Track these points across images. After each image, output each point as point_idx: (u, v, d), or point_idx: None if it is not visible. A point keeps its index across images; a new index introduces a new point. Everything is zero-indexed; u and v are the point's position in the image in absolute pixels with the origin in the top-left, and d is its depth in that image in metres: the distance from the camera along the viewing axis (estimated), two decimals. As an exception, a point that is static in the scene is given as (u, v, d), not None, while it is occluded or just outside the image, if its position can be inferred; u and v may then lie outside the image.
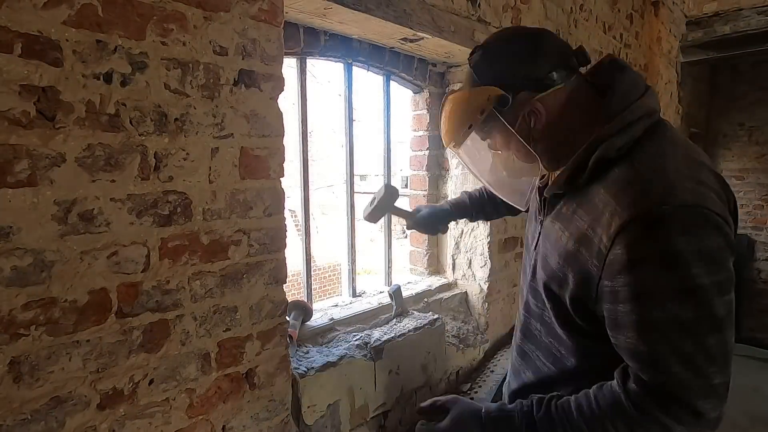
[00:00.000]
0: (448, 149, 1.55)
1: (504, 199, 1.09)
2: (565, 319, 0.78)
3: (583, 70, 0.81)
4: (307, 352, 1.26)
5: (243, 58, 0.95)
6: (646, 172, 0.67)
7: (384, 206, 1.32)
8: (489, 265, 1.79)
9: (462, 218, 1.39)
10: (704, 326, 0.62)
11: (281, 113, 1.03)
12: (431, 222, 1.35)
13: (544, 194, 0.83)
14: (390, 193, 1.33)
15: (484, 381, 1.65)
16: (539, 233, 0.85)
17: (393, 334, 1.42)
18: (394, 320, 1.55)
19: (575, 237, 0.72)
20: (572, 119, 0.77)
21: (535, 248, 0.85)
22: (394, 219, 1.81)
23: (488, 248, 1.78)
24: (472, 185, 1.78)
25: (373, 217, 1.34)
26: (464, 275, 1.86)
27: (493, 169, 0.96)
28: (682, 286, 0.62)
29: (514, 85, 0.76)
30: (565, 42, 0.83)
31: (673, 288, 0.62)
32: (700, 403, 0.64)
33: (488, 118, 0.79)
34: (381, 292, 1.67)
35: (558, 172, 0.79)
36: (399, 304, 1.57)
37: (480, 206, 1.33)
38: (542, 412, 0.74)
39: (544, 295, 0.80)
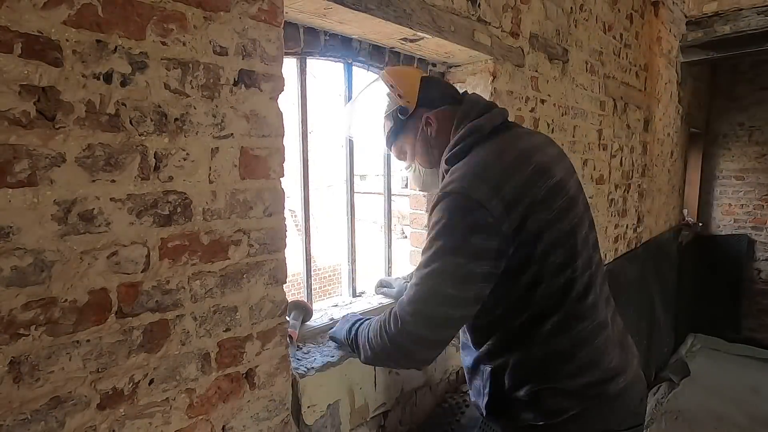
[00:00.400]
0: None
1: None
2: None
3: None
4: (308, 352, 1.26)
5: (243, 58, 0.95)
6: (455, 172, 0.96)
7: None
8: (489, 265, 1.78)
9: None
10: (428, 272, 0.90)
11: (281, 113, 1.03)
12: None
13: None
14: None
15: (484, 381, 1.65)
16: None
17: (393, 334, 1.42)
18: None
19: None
20: (448, 132, 1.07)
21: None
22: (394, 220, 1.81)
23: (488, 248, 1.77)
24: (472, 185, 1.78)
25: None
26: (464, 275, 1.86)
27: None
28: (430, 244, 0.91)
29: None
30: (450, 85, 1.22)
31: (427, 242, 0.92)
32: (401, 313, 0.94)
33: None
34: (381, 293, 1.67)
35: None
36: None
37: None
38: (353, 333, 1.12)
39: None
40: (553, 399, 0.95)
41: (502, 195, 0.87)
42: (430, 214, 0.95)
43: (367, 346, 1.04)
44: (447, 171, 1.02)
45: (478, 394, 1.07)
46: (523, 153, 0.96)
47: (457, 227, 0.88)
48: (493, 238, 0.87)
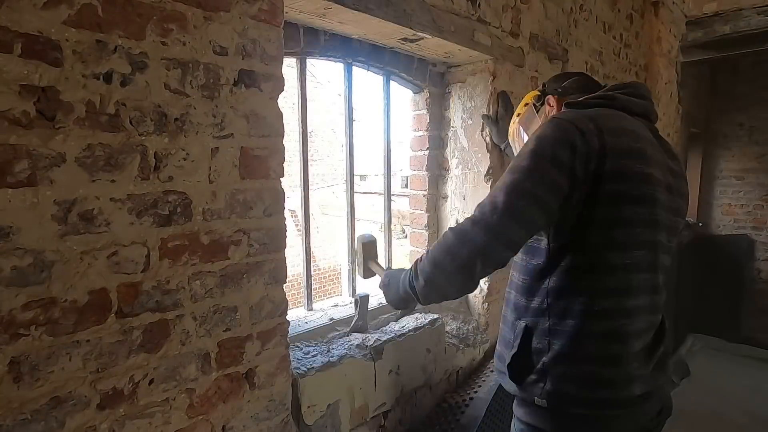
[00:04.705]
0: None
1: None
2: None
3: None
4: (308, 353, 1.26)
5: (243, 58, 0.95)
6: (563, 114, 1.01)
7: (364, 263, 1.39)
8: (489, 265, 1.78)
9: None
10: (513, 167, 0.93)
11: (281, 113, 1.03)
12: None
13: None
14: (367, 248, 1.40)
15: (484, 381, 1.65)
16: None
17: (393, 334, 1.42)
18: (393, 321, 1.55)
19: None
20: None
21: None
22: (394, 220, 1.81)
23: (488, 248, 1.77)
24: (471, 185, 1.78)
25: (366, 274, 1.41)
26: (464, 275, 1.86)
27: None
28: (521, 152, 0.95)
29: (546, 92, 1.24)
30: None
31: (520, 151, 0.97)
32: (479, 208, 0.95)
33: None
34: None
35: None
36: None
37: None
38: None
39: None
40: (559, 383, 0.94)
41: (604, 141, 0.88)
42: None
43: (429, 263, 1.00)
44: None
45: (506, 345, 1.04)
46: (637, 133, 0.95)
47: (550, 138, 0.91)
48: (577, 160, 0.88)
